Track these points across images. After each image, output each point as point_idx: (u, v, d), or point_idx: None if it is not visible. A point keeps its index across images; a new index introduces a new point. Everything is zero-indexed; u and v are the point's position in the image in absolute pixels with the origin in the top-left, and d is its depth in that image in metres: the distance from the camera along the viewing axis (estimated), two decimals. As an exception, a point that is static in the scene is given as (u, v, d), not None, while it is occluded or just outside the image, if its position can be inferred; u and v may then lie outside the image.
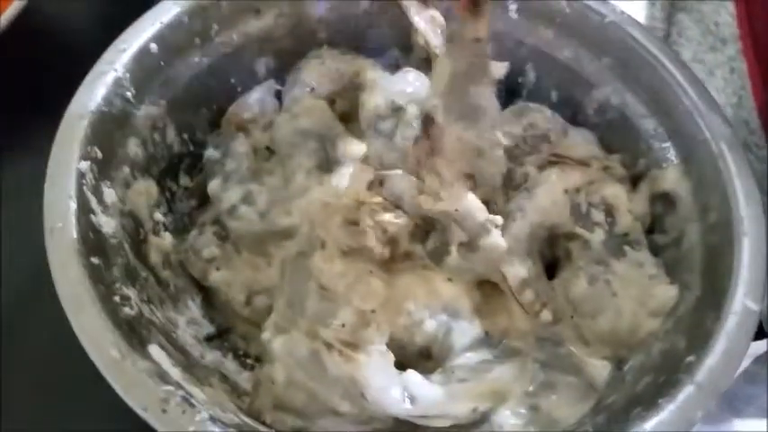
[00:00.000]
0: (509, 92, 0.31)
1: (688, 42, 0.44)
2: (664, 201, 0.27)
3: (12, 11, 0.32)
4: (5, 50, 0.31)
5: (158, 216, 0.27)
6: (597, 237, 0.26)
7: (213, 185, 0.28)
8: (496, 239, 0.25)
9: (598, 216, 0.26)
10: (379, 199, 0.27)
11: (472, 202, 0.25)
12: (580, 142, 0.29)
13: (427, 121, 0.24)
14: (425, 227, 0.27)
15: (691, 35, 0.44)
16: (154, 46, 0.27)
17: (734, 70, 0.39)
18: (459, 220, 0.25)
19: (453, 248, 0.25)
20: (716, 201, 0.25)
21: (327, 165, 0.28)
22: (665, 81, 0.27)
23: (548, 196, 0.26)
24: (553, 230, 0.26)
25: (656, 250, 0.27)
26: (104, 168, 0.25)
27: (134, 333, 0.22)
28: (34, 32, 0.32)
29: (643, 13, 0.48)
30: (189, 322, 0.27)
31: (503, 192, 0.27)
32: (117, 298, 0.23)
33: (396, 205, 0.27)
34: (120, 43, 0.26)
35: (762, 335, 0.31)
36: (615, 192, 0.27)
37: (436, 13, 0.31)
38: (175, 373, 0.22)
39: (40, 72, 0.32)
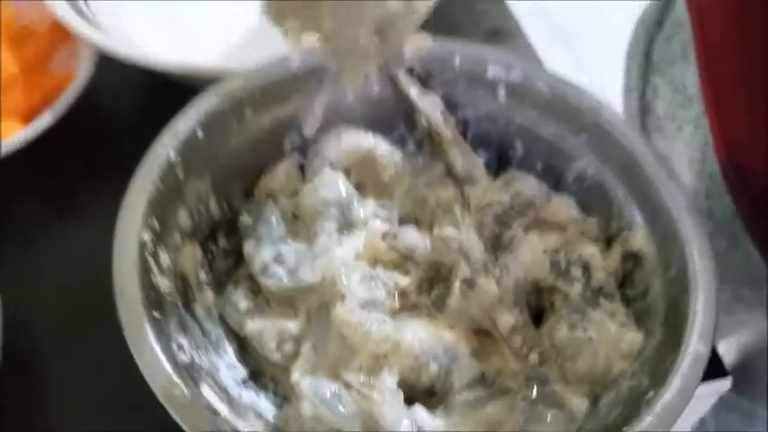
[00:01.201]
0: (501, 162, 0.36)
1: (661, 101, 0.50)
2: (633, 259, 0.32)
3: (69, 96, 0.38)
4: (67, 133, 0.37)
5: (202, 275, 0.32)
6: (575, 290, 0.31)
7: (248, 247, 0.33)
8: (491, 283, 0.30)
9: (576, 272, 0.31)
10: (393, 255, 0.32)
11: (476, 239, 0.30)
12: (562, 207, 0.34)
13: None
14: (432, 278, 0.32)
15: (663, 94, 0.49)
16: (200, 131, 0.32)
17: (699, 126, 0.44)
18: (466, 250, 0.30)
19: (456, 287, 0.30)
20: (675, 259, 0.29)
21: (346, 227, 0.33)
22: (632, 156, 0.32)
23: (530, 255, 0.31)
24: (537, 284, 0.31)
25: (627, 301, 0.31)
26: (160, 236, 0.30)
27: (189, 375, 0.26)
28: (91, 117, 0.37)
29: (621, 75, 0.54)
30: (228, 366, 0.31)
31: (492, 251, 0.32)
32: (174, 346, 0.27)
33: (407, 257, 0.33)
34: (170, 130, 0.32)
35: (724, 373, 0.36)
36: (591, 251, 0.31)
37: (436, 98, 0.36)
38: (222, 408, 0.26)
39: (97, 152, 0.38)
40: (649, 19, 0.49)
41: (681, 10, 0.45)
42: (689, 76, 0.45)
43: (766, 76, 0.38)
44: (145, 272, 0.28)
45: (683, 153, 0.46)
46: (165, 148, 0.31)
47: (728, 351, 0.56)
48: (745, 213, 0.41)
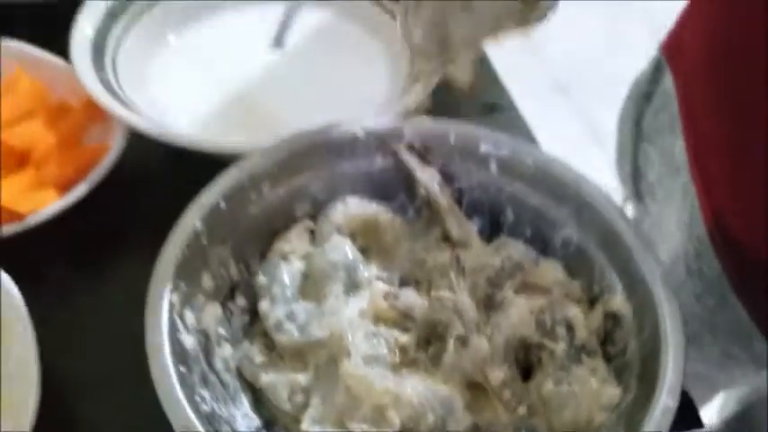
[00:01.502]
0: (493, 228, 0.40)
1: (652, 167, 0.53)
2: (613, 319, 0.35)
3: (102, 168, 0.41)
4: (100, 201, 0.40)
5: (221, 331, 0.35)
6: (560, 347, 0.34)
7: (263, 305, 0.36)
8: (482, 341, 0.33)
9: (561, 331, 0.34)
10: (394, 314, 0.35)
11: (469, 301, 0.34)
12: (549, 270, 0.37)
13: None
14: (429, 336, 0.35)
15: (653, 162, 0.53)
16: (222, 203, 0.36)
17: (687, 193, 0.47)
18: (460, 310, 0.33)
19: (450, 344, 0.33)
20: (648, 321, 0.33)
21: (352, 288, 0.37)
22: (611, 226, 0.36)
23: (518, 315, 0.34)
24: (525, 342, 0.34)
25: (608, 357, 0.34)
26: (187, 298, 0.33)
27: (210, 423, 0.30)
28: (123, 186, 0.41)
29: (614, 142, 0.58)
30: (244, 416, 0.34)
31: (485, 311, 0.35)
32: (197, 397, 0.30)
33: (407, 316, 0.36)
34: (197, 202, 0.35)
35: (700, 424, 0.39)
36: (574, 312, 0.35)
37: (433, 170, 0.40)
38: (240, 454, 0.29)
39: (128, 219, 0.42)
40: (639, 91, 0.53)
41: (669, 84, 0.49)
42: (677, 146, 0.48)
43: (749, 150, 0.42)
44: (173, 331, 0.31)
45: (673, 216, 0.50)
46: (193, 218, 0.34)
47: (727, 402, 0.59)
48: (731, 274, 0.44)
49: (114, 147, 0.42)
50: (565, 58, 1.86)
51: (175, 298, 0.32)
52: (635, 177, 0.55)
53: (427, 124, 0.40)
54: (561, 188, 0.37)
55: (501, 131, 0.40)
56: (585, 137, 1.63)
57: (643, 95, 0.52)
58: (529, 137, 0.48)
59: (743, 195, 0.43)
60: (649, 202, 0.54)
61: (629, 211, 0.58)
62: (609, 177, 0.59)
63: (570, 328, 0.34)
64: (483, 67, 0.53)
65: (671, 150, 0.49)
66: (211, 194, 0.36)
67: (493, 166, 0.39)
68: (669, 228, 0.50)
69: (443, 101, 0.46)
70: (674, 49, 0.49)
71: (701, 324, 0.47)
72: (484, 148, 0.39)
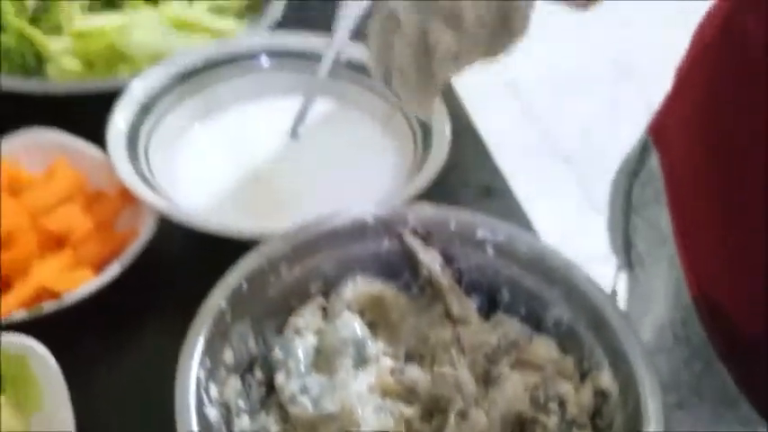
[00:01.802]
0: (490, 306, 0.43)
1: (641, 239, 0.57)
2: (602, 395, 0.38)
3: (134, 249, 0.45)
4: (132, 280, 0.44)
5: (240, 403, 0.39)
6: (553, 421, 0.37)
7: (279, 378, 0.40)
8: (480, 415, 0.36)
9: (554, 406, 0.37)
10: (399, 388, 0.39)
11: (469, 376, 0.37)
12: (542, 347, 0.40)
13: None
14: (432, 409, 0.38)
15: (642, 233, 0.56)
16: (245, 284, 0.39)
17: (673, 263, 0.50)
18: (460, 384, 0.36)
19: (452, 417, 0.36)
20: (632, 397, 0.36)
21: (361, 363, 0.40)
22: (598, 308, 0.39)
23: (514, 391, 0.37)
24: (520, 416, 0.37)
25: (597, 431, 0.37)
26: (211, 373, 0.36)
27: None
28: (153, 266, 0.45)
29: (605, 215, 0.61)
30: (261, 483, 0.37)
31: (483, 385, 0.38)
32: (220, 465, 0.33)
33: (411, 390, 0.39)
34: (222, 284, 0.39)
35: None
36: (566, 388, 0.38)
37: (435, 253, 0.43)
38: None
39: (159, 296, 0.46)
40: (628, 167, 0.57)
41: (655, 163, 0.53)
42: (663, 218, 0.52)
43: (730, 225, 0.46)
44: (199, 404, 0.35)
45: (661, 285, 0.53)
46: (218, 299, 0.38)
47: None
48: (716, 342, 0.47)
49: (145, 230, 0.46)
50: (566, 130, 1.93)
51: (202, 373, 0.36)
52: (626, 247, 0.59)
53: (429, 211, 0.44)
54: (552, 272, 0.41)
55: (497, 217, 0.44)
56: (584, 205, 1.68)
57: (632, 171, 0.56)
58: (524, 220, 0.52)
59: (728, 269, 0.47)
60: (639, 271, 0.58)
61: (622, 279, 0.61)
62: (606, 244, 0.62)
63: (562, 403, 0.37)
64: (476, 146, 0.58)
65: (657, 222, 0.52)
66: (235, 277, 0.39)
67: (489, 250, 0.43)
68: (658, 296, 0.53)
69: (443, 187, 0.50)
70: (660, 131, 0.53)
71: (689, 389, 0.50)
72: (481, 233, 0.43)
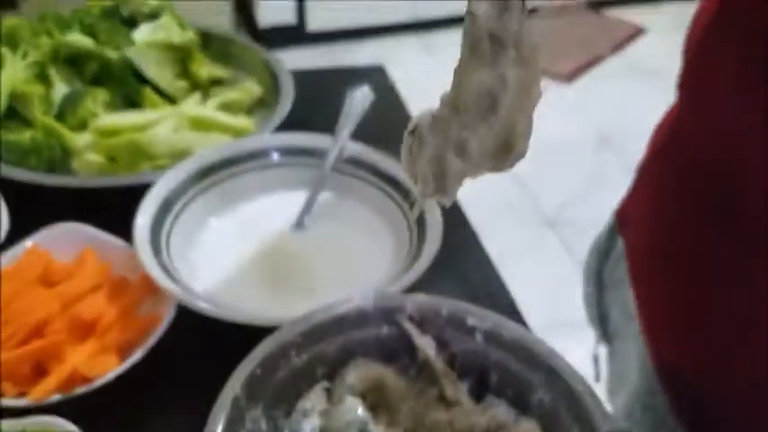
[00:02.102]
0: (481, 388, 0.47)
1: (615, 313, 0.61)
2: (580, 466, 0.42)
3: (156, 335, 0.50)
4: (154, 364, 0.49)
5: (253, 480, 0.42)
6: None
7: (288, 458, 0.44)
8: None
9: (539, 478, 0.41)
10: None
11: None
12: (527, 429, 0.44)
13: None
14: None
15: (614, 308, 0.61)
16: (258, 370, 0.44)
17: (640, 337, 0.55)
18: None
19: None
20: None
21: (365, 442, 0.44)
22: (576, 392, 0.43)
23: (502, 469, 0.41)
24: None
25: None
26: (229, 453, 0.40)
27: None
28: (173, 351, 0.50)
29: (581, 289, 0.66)
30: None
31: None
32: None
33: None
34: (239, 371, 0.43)
35: None
36: (549, 463, 0.42)
37: (430, 338, 0.48)
38: None
39: (178, 380, 0.50)
40: (599, 248, 0.62)
41: (621, 244, 0.58)
42: (630, 296, 0.57)
43: (686, 307, 0.51)
44: (219, 482, 0.38)
45: (633, 357, 0.57)
46: (235, 385, 0.42)
47: None
48: (676, 409, 0.51)
49: (166, 317, 0.50)
50: (552, 196, 1.99)
51: (220, 454, 0.40)
52: (601, 321, 0.63)
53: (424, 300, 0.49)
54: (535, 357, 0.45)
55: (484, 297, 0.48)
56: (571, 268, 1.73)
57: (603, 251, 0.61)
58: (510, 304, 0.57)
59: (682, 343, 0.51)
60: (616, 342, 0.62)
61: (602, 350, 0.66)
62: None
63: (547, 475, 0.41)
64: (470, 237, 0.63)
65: (626, 300, 0.57)
66: (249, 363, 0.44)
67: (479, 337, 0.47)
68: (631, 368, 0.57)
69: (437, 268, 0.54)
70: (623, 217, 0.59)
71: None
72: (471, 321, 0.47)
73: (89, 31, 0.71)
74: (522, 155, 0.25)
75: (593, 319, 0.65)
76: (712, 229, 0.47)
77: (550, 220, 1.94)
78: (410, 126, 0.28)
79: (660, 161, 0.53)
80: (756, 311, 0.45)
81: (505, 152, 0.25)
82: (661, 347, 0.53)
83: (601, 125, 2.20)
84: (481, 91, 0.23)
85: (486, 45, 0.22)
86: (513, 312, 0.56)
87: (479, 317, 0.47)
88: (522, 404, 0.46)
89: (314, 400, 0.46)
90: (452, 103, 0.24)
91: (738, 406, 0.48)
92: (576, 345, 0.62)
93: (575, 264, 1.76)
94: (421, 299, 0.49)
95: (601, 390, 0.61)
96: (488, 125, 0.23)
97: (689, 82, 0.49)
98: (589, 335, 0.66)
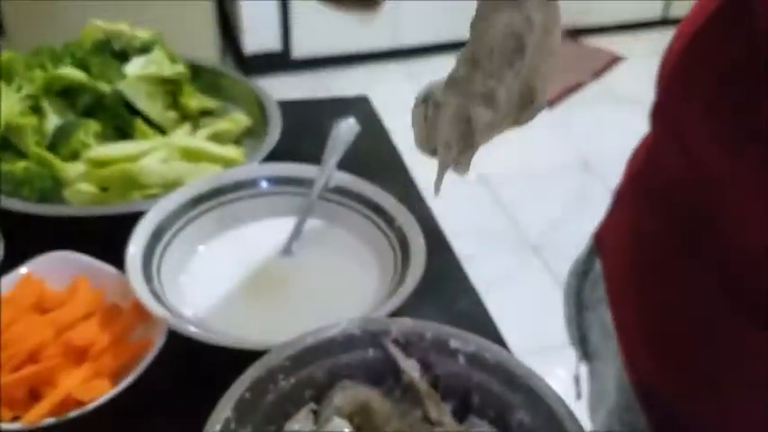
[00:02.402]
0: (463, 409, 0.49)
1: (594, 334, 0.63)
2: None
3: (147, 360, 0.51)
4: (145, 387, 0.50)
5: (244, 501, 0.44)
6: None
7: (278, 475, 0.45)
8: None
9: (517, 498, 0.43)
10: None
11: None
12: (508, 446, 0.46)
13: None
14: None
15: (593, 327, 0.63)
16: (247, 393, 0.45)
17: (618, 355, 0.57)
18: None
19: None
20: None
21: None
22: (552, 410, 0.45)
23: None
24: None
25: None
26: (220, 473, 0.42)
27: None
28: (165, 374, 0.51)
29: (563, 309, 0.68)
30: None
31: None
32: None
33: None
34: (229, 394, 0.45)
35: None
36: (528, 479, 0.43)
37: (414, 361, 0.50)
38: None
39: (169, 403, 0.51)
40: (579, 270, 0.64)
41: (599, 266, 0.60)
42: (608, 315, 0.59)
43: (661, 328, 0.53)
44: (211, 502, 0.40)
45: (611, 376, 0.59)
46: (225, 408, 0.44)
47: None
48: (653, 426, 0.53)
49: (157, 343, 0.51)
50: (534, 221, 2.02)
51: (212, 475, 0.41)
52: (582, 341, 0.65)
53: (408, 324, 0.51)
54: (516, 379, 0.47)
55: (467, 323, 0.50)
56: (554, 292, 1.75)
57: (582, 272, 0.63)
58: (492, 329, 0.59)
59: (657, 360, 0.53)
60: (595, 360, 0.64)
61: (583, 370, 0.68)
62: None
63: (526, 491, 0.43)
64: (452, 262, 0.65)
65: (604, 320, 0.59)
66: (239, 387, 0.45)
67: (461, 359, 0.49)
68: (610, 386, 0.59)
69: (421, 293, 0.56)
70: (601, 240, 0.61)
71: None
72: (453, 344, 0.49)
73: (81, 64, 0.73)
74: (543, 106, 0.26)
75: (573, 340, 0.67)
76: (685, 250, 0.49)
77: (534, 244, 1.97)
78: (420, 96, 0.28)
79: (636, 185, 0.56)
80: (730, 333, 0.47)
81: (528, 101, 0.25)
82: (637, 366, 0.55)
83: (582, 150, 2.24)
84: (507, 34, 0.23)
85: None
86: (495, 336, 0.58)
87: (462, 340, 0.49)
88: (503, 424, 0.47)
89: (301, 421, 0.48)
90: (472, 57, 0.24)
91: (712, 425, 0.50)
92: (558, 366, 0.64)
93: (558, 287, 1.78)
94: (406, 323, 0.51)
95: (582, 408, 0.63)
96: (515, 71, 0.23)
97: (662, 108, 0.51)
98: (571, 356, 0.68)
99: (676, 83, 0.48)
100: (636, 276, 0.56)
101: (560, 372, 0.54)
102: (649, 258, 0.53)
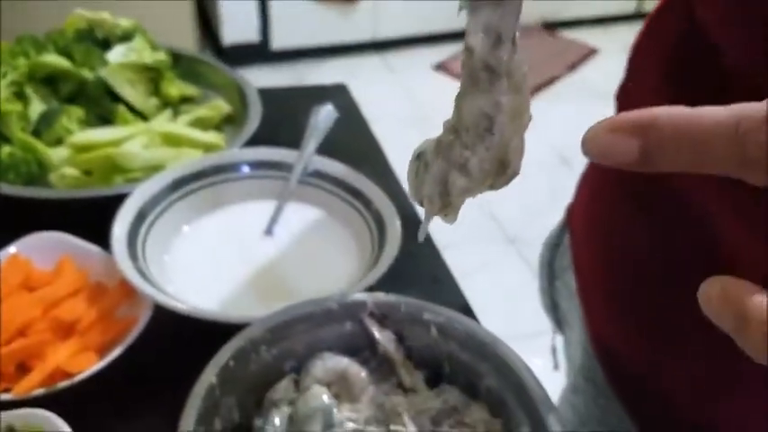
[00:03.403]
0: (435, 377, 0.52)
1: (562, 300, 0.66)
2: (525, 448, 0.46)
3: (134, 334, 0.53)
4: (132, 361, 0.52)
5: (226, 466, 0.46)
6: (486, 470, 0.45)
7: (259, 444, 0.47)
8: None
9: (485, 457, 0.46)
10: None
11: None
12: (477, 411, 0.49)
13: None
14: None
15: (562, 295, 0.66)
16: (231, 362, 0.47)
17: (582, 319, 0.60)
18: None
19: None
20: (548, 447, 0.44)
21: (328, 428, 0.48)
22: (520, 378, 0.48)
23: (454, 447, 0.45)
24: (460, 467, 0.45)
25: (522, 478, 0.46)
26: (204, 437, 0.44)
27: None
28: (151, 349, 0.53)
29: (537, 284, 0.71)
30: None
31: (431, 444, 0.46)
32: None
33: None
34: (213, 362, 0.47)
35: None
36: (496, 443, 0.46)
37: (389, 333, 0.52)
38: None
39: (155, 376, 0.53)
40: (551, 241, 0.68)
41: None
42: (574, 281, 0.62)
43: (623, 293, 0.56)
44: (196, 462, 0.42)
45: (577, 337, 0.63)
46: (210, 375, 0.46)
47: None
48: (611, 381, 0.57)
49: (143, 318, 0.54)
50: (512, 214, 2.06)
51: (197, 437, 0.43)
52: (553, 309, 0.69)
53: (384, 298, 0.53)
54: (483, 348, 0.50)
55: (440, 304, 0.53)
56: (531, 283, 1.79)
57: (554, 244, 0.67)
58: (463, 304, 0.62)
59: (618, 324, 0.57)
60: (565, 328, 0.68)
61: (558, 341, 0.71)
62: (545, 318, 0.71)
63: (493, 455, 0.46)
64: (427, 245, 0.68)
65: (571, 285, 0.63)
66: (223, 356, 0.48)
67: (433, 330, 0.52)
68: (576, 346, 0.63)
69: (397, 275, 0.59)
70: (571, 212, 0.65)
71: (598, 422, 0.59)
72: (426, 316, 0.52)
73: (64, 52, 0.74)
74: (517, 173, 0.28)
75: (546, 308, 0.71)
76: (636, 212, 0.53)
77: (510, 236, 2.01)
78: (415, 152, 0.31)
79: (589, 174, 0.59)
80: (682, 297, 0.51)
81: (501, 170, 0.28)
82: (596, 324, 0.59)
83: (557, 142, 2.28)
84: (479, 114, 0.26)
85: (484, 75, 0.25)
86: (466, 310, 0.61)
87: (434, 312, 0.52)
88: (472, 390, 0.50)
89: (282, 391, 0.50)
90: (454, 126, 0.28)
91: (666, 382, 0.54)
92: (533, 355, 0.67)
93: (534, 278, 1.82)
94: (381, 297, 0.53)
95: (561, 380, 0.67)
96: (486, 145, 0.27)
97: (624, 88, 0.54)
98: (544, 345, 0.72)
99: (633, 62, 0.52)
100: (596, 240, 0.59)
101: (536, 360, 0.56)
102: (608, 220, 0.57)
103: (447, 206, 0.30)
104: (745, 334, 0.22)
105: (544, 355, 0.71)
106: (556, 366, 0.70)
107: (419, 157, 0.30)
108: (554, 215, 0.70)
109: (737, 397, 0.49)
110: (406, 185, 0.72)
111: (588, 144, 0.24)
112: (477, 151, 0.27)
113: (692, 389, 0.52)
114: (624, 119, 0.23)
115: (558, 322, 0.69)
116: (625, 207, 0.54)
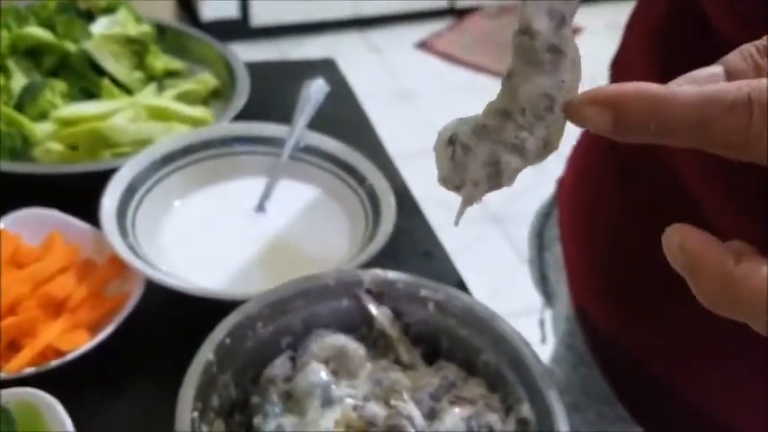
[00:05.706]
0: (433, 353, 0.52)
1: (550, 270, 0.67)
2: (523, 423, 0.47)
3: (125, 312, 0.52)
4: (125, 338, 0.51)
5: (225, 442, 0.46)
6: (483, 447, 0.45)
7: (256, 421, 0.47)
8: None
9: (484, 433, 0.46)
10: (361, 422, 0.46)
11: (417, 410, 0.45)
12: (474, 386, 0.49)
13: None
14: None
15: (551, 266, 0.67)
16: (227, 339, 0.47)
17: (566, 288, 0.61)
18: (411, 416, 0.44)
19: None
20: (547, 423, 0.44)
21: (327, 403, 0.48)
22: (518, 352, 0.48)
23: (452, 422, 0.45)
24: (458, 442, 0.45)
25: (522, 454, 0.46)
26: (202, 415, 0.43)
27: None
28: (143, 326, 0.52)
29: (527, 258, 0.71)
30: None
31: (428, 418, 0.46)
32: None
33: (371, 423, 0.47)
34: (210, 339, 0.46)
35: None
36: (494, 418, 0.46)
37: (386, 309, 0.52)
38: None
39: (149, 353, 0.52)
40: (542, 211, 0.68)
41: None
42: (562, 253, 0.63)
43: (606, 263, 0.57)
44: (194, 441, 0.42)
45: (562, 307, 0.63)
46: (207, 352, 0.45)
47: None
48: (591, 347, 0.57)
49: (134, 295, 0.53)
50: (496, 193, 2.06)
51: (195, 415, 0.43)
52: (542, 282, 0.69)
53: (380, 274, 0.53)
54: (481, 323, 0.50)
55: (434, 280, 0.53)
56: (512, 256, 1.80)
57: (544, 215, 0.67)
58: (459, 281, 0.62)
59: (599, 294, 0.57)
60: (553, 299, 0.68)
61: (547, 315, 0.71)
62: (533, 292, 0.72)
63: (491, 430, 0.46)
64: (420, 222, 0.68)
65: (559, 256, 0.63)
66: (219, 332, 0.47)
67: (431, 306, 0.52)
68: (561, 314, 0.64)
69: (391, 251, 0.59)
70: (561, 182, 0.65)
71: (580, 390, 0.60)
72: (423, 292, 0.52)
73: (47, 24, 0.72)
74: (557, 148, 0.29)
75: (535, 279, 0.71)
76: (622, 184, 0.53)
77: (494, 215, 2.01)
78: (444, 136, 0.31)
79: (578, 152, 0.60)
80: (662, 267, 0.51)
81: (547, 145, 0.28)
82: (578, 291, 0.59)
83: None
84: (541, 95, 0.26)
85: (548, 56, 0.25)
86: (460, 286, 0.60)
87: (431, 288, 0.52)
88: (470, 366, 0.50)
89: (279, 368, 0.50)
90: (505, 109, 0.27)
91: (645, 351, 0.54)
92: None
93: (518, 257, 1.83)
94: (377, 273, 0.53)
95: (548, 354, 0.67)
96: (545, 124, 0.27)
97: (616, 60, 0.55)
98: (530, 323, 0.72)
99: (627, 34, 0.52)
100: (581, 210, 0.60)
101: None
102: (592, 191, 0.57)
103: (493, 189, 0.30)
104: (695, 281, 0.24)
105: (530, 332, 0.71)
106: (543, 340, 0.71)
107: (452, 141, 0.30)
108: (536, 194, 0.71)
109: (707, 359, 0.50)
110: (397, 161, 0.72)
111: (570, 113, 0.25)
112: (536, 131, 0.27)
113: (667, 354, 0.53)
114: (600, 93, 0.24)
115: (547, 295, 0.70)
116: (612, 178, 0.55)
